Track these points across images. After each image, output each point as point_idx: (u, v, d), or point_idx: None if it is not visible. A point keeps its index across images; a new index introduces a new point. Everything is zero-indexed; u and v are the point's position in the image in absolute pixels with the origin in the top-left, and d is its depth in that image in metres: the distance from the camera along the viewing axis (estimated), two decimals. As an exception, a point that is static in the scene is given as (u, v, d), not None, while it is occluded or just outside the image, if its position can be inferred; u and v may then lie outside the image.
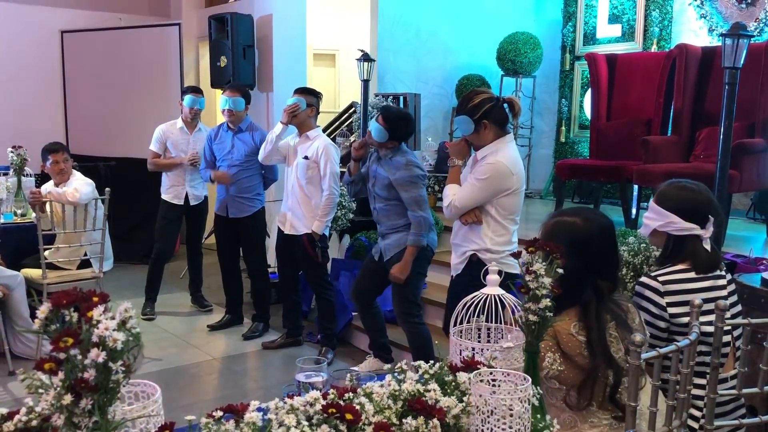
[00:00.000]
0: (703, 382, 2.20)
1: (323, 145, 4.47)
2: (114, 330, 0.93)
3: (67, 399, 0.91)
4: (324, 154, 4.44)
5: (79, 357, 0.93)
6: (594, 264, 1.97)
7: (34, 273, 4.63)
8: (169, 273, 5.72)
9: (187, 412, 1.24)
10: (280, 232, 4.68)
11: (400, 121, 3.88)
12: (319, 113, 4.68)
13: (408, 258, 3.85)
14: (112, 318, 0.95)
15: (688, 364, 1.85)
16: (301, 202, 4.53)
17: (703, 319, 2.05)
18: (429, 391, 1.37)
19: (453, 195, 3.18)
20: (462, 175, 3.28)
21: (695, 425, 2.23)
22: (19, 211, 5.10)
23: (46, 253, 4.60)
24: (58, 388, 0.93)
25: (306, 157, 4.47)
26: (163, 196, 5.51)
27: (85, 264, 4.86)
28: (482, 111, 3.09)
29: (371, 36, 7.08)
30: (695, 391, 2.20)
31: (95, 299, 0.95)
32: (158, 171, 5.50)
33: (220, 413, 1.19)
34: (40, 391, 0.94)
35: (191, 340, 5.03)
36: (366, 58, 5.70)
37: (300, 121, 4.50)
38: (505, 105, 3.17)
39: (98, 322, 0.92)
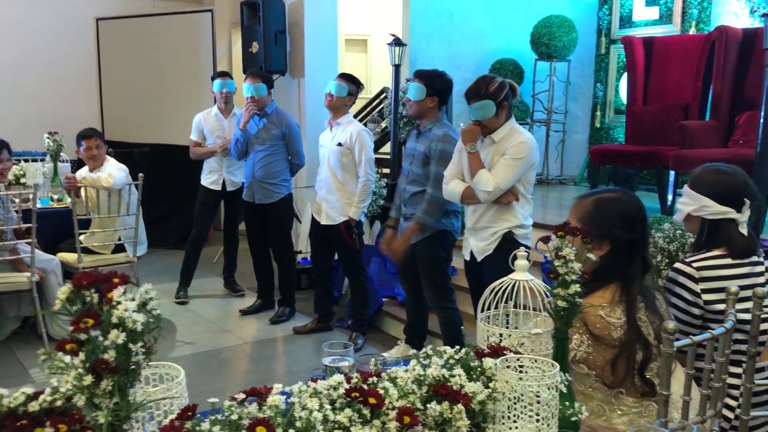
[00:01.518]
0: (739, 371, 2.15)
1: (357, 131, 4.44)
2: (134, 311, 0.92)
3: (88, 380, 0.91)
4: (359, 141, 4.41)
5: (100, 338, 0.93)
6: (644, 237, 2.03)
7: (70, 257, 4.71)
8: (202, 258, 5.78)
9: (218, 396, 1.24)
10: (314, 220, 4.69)
11: (434, 75, 3.86)
12: (354, 102, 4.66)
13: (408, 234, 3.84)
14: (133, 299, 0.95)
15: (723, 352, 1.80)
16: (335, 189, 4.51)
17: (739, 306, 2.00)
18: (454, 376, 1.35)
19: (491, 178, 3.22)
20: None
21: (731, 415, 2.17)
22: (55, 196, 5.19)
23: (82, 237, 4.67)
24: (79, 369, 0.93)
25: (340, 144, 4.45)
26: (203, 182, 5.56)
27: (119, 249, 4.92)
28: (503, 94, 3.25)
29: (403, 21, 7.02)
30: (731, 380, 2.14)
31: (116, 280, 0.94)
32: (199, 159, 5.55)
33: (242, 396, 1.18)
34: (59, 372, 0.95)
35: (223, 325, 5.08)
36: (397, 42, 5.65)
37: (336, 108, 4.48)
38: None
39: (118, 303, 0.92)
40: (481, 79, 3.32)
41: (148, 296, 0.97)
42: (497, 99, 3.22)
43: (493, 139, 3.29)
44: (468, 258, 3.51)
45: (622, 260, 1.95)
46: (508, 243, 3.27)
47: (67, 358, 0.96)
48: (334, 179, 4.50)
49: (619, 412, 1.89)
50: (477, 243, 3.41)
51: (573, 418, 1.40)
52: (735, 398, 2.17)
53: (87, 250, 4.75)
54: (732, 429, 2.16)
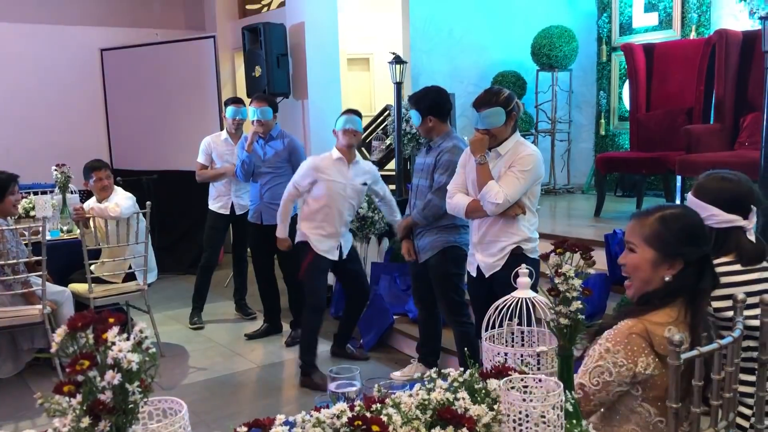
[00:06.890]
0: (752, 378, 2.12)
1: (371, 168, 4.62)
2: (128, 351, 0.93)
3: (86, 422, 0.91)
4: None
5: (98, 379, 0.93)
6: (710, 251, 1.97)
7: (81, 288, 4.73)
8: (213, 282, 5.79)
9: (232, 422, 1.24)
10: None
11: (421, 97, 3.92)
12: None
13: (403, 224, 4.05)
14: (127, 339, 0.95)
15: (732, 361, 1.78)
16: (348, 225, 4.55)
17: (749, 313, 1.98)
18: (458, 399, 1.34)
19: (501, 190, 3.18)
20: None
21: (746, 424, 2.15)
22: (65, 228, 5.22)
23: (92, 267, 4.69)
24: (77, 411, 0.93)
25: (365, 183, 4.47)
26: (211, 207, 5.60)
27: (130, 277, 4.93)
28: (513, 105, 3.26)
29: (403, 38, 7.06)
30: (744, 389, 2.12)
31: (111, 320, 0.95)
32: (205, 182, 5.58)
33: (245, 429, 1.18)
34: (57, 414, 0.95)
35: (236, 349, 5.07)
36: (398, 60, 5.67)
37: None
38: None
39: (113, 344, 0.92)
40: (491, 88, 3.37)
41: (143, 335, 0.97)
42: (507, 107, 3.23)
43: (498, 152, 3.27)
44: (474, 274, 3.48)
45: (694, 276, 1.90)
46: (517, 259, 3.19)
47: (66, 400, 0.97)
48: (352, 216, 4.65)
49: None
50: (484, 258, 3.37)
51: (580, 437, 1.39)
52: (749, 407, 2.14)
53: (98, 280, 4.77)
54: (748, 438, 2.14)
